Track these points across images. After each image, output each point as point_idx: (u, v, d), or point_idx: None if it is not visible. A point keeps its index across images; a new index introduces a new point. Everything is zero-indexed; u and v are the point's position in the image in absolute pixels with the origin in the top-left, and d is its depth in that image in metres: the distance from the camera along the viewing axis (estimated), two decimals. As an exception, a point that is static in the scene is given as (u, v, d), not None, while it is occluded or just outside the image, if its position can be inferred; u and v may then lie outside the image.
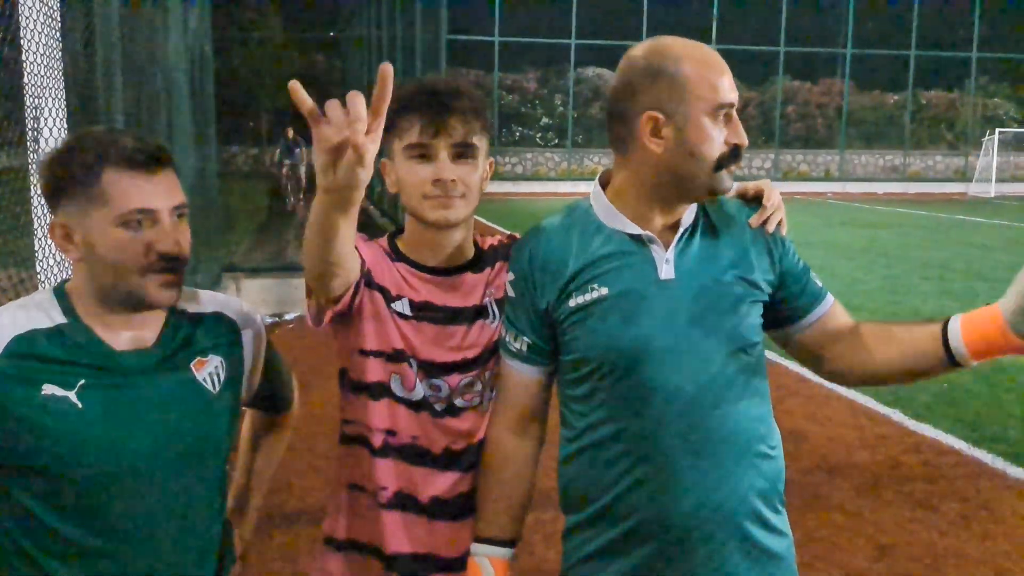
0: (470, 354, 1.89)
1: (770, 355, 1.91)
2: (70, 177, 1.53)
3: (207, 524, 1.71)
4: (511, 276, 1.85)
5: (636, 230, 1.74)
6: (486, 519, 1.87)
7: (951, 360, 1.69)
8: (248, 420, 1.99)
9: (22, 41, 2.91)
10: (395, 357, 1.86)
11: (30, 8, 2.93)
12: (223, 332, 1.75)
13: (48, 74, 3.03)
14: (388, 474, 1.89)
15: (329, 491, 2.05)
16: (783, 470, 1.85)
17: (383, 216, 12.72)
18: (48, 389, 1.53)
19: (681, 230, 1.75)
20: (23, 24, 2.91)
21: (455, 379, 1.89)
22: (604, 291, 1.73)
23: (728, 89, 1.71)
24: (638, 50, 1.76)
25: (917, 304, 9.98)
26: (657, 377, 1.70)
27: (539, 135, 33.69)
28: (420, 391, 1.87)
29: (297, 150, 19.00)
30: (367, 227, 13.82)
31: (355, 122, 1.31)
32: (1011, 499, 4.71)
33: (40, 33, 2.98)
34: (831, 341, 1.83)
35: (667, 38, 1.76)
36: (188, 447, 1.63)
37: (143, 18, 5.80)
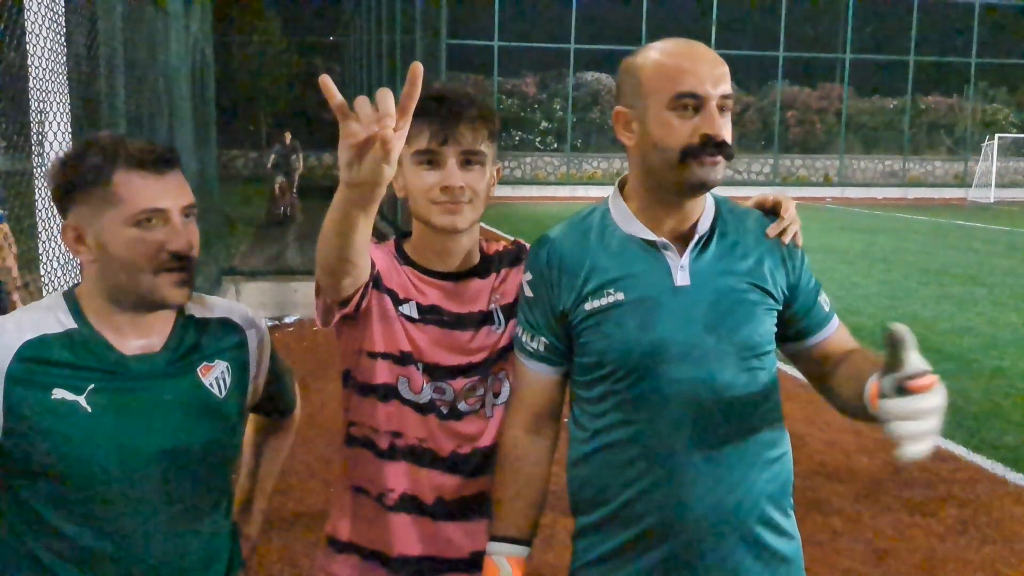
0: (475, 359, 1.91)
1: (770, 359, 1.92)
2: (81, 180, 1.55)
3: (214, 528, 1.72)
4: (528, 276, 1.87)
5: (651, 236, 1.76)
6: (502, 518, 1.87)
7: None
8: (251, 424, 2.00)
9: (28, 46, 2.93)
10: (402, 360, 1.88)
11: (35, 13, 2.95)
12: (229, 337, 1.76)
13: (53, 79, 3.05)
14: (395, 476, 1.90)
15: (333, 492, 2.05)
16: (792, 474, 1.87)
17: (382, 219, 12.72)
18: (58, 393, 1.55)
19: (697, 236, 1.76)
20: (29, 29, 2.92)
21: (460, 383, 1.90)
22: (620, 296, 1.74)
23: (697, 78, 1.66)
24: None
25: (916, 309, 9.99)
26: (672, 382, 1.71)
27: (538, 139, 33.69)
28: (427, 393, 1.89)
29: (294, 156, 18.27)
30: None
31: (385, 117, 1.33)
32: (1009, 504, 4.72)
33: (45, 38, 3.00)
34: (826, 366, 1.82)
35: (662, 40, 1.77)
36: (195, 451, 1.65)
37: (145, 22, 5.82)
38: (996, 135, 31.26)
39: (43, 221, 2.99)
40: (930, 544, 4.22)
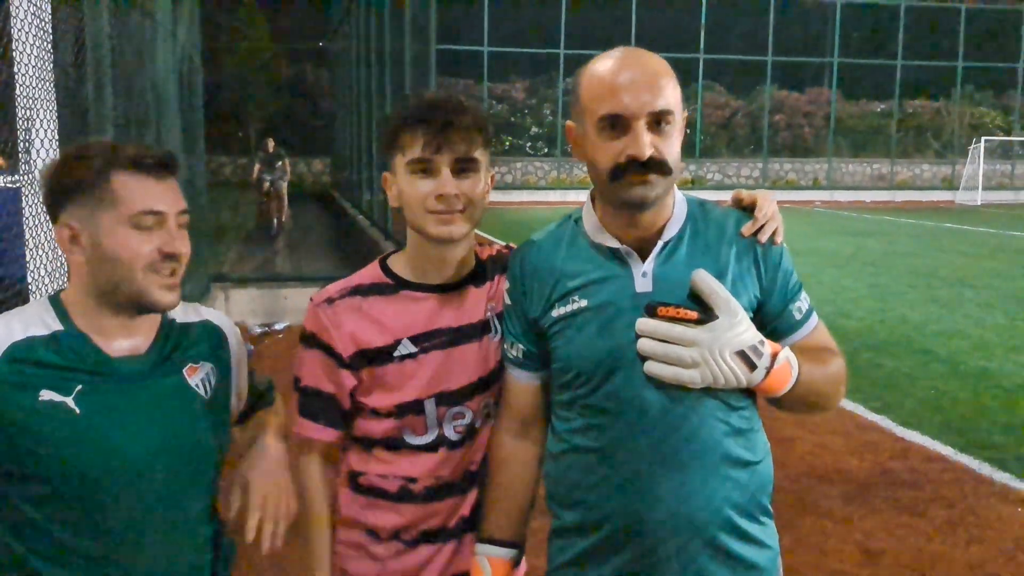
0: (485, 371, 1.92)
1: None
2: (78, 181, 1.57)
3: (201, 527, 1.73)
4: (507, 284, 1.89)
5: (615, 243, 1.76)
6: (487, 520, 1.91)
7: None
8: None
9: (14, 54, 2.92)
10: (404, 412, 1.88)
11: (21, 21, 2.94)
12: (212, 340, 1.79)
13: (39, 86, 3.05)
14: (412, 516, 1.92)
15: (337, 528, 2.01)
16: (768, 482, 1.84)
17: (372, 225, 12.71)
18: (46, 395, 1.55)
19: (661, 243, 1.75)
20: (15, 36, 2.92)
21: (476, 402, 1.92)
22: (584, 303, 1.75)
23: (623, 99, 1.65)
24: None
25: (904, 311, 10.04)
26: (628, 388, 1.71)
27: (528, 144, 33.76)
28: (433, 432, 1.90)
29: (279, 163, 17.02)
30: (358, 236, 13.68)
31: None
32: (997, 504, 4.75)
33: (32, 46, 2.99)
34: None
35: (609, 51, 1.77)
36: (183, 451, 1.66)
37: (132, 30, 5.81)
38: (983, 138, 31.42)
39: (30, 229, 2.99)
40: (919, 544, 4.24)
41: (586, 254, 1.79)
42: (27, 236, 2.95)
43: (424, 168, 1.81)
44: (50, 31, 3.14)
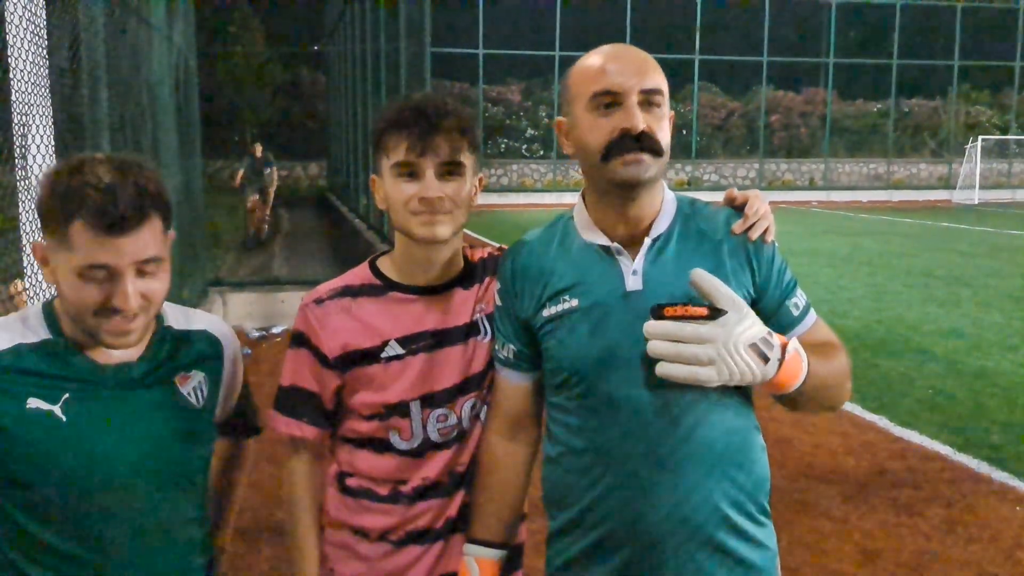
0: (470, 373, 1.92)
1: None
2: (47, 213, 1.52)
3: (189, 535, 1.73)
4: (498, 285, 1.89)
5: (605, 241, 1.76)
6: (476, 520, 1.91)
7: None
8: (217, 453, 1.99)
9: (9, 59, 2.92)
10: (389, 413, 1.89)
11: (16, 26, 2.94)
12: (207, 349, 1.78)
13: (35, 91, 3.05)
14: (400, 517, 1.92)
15: (325, 529, 2.01)
16: (766, 481, 1.83)
17: (369, 229, 12.70)
18: (33, 403, 1.55)
19: (649, 240, 1.74)
20: (10, 42, 2.92)
21: (460, 403, 1.91)
22: (575, 303, 1.75)
23: (614, 75, 1.67)
24: None
25: (901, 311, 10.05)
26: (621, 389, 1.71)
27: (524, 147, 33.76)
28: (419, 437, 1.90)
29: (267, 170, 16.20)
30: (354, 239, 13.66)
31: None
32: (995, 503, 4.75)
33: (27, 51, 2.99)
34: None
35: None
36: (171, 460, 1.66)
37: (128, 34, 5.81)
38: (979, 137, 31.49)
39: (27, 234, 2.99)
40: (917, 544, 4.24)
41: (576, 253, 1.79)
42: (24, 242, 2.95)
43: (409, 171, 1.81)
44: (45, 35, 3.14)
